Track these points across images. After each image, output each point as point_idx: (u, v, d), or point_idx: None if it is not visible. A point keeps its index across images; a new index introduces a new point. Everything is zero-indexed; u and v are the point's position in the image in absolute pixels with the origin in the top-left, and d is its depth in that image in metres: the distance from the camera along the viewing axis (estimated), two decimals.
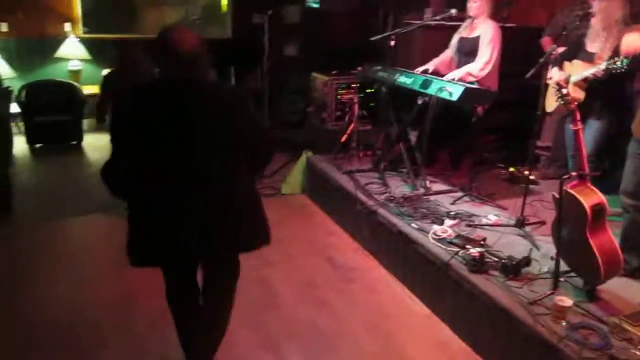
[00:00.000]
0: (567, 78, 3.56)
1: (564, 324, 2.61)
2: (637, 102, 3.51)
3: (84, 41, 7.42)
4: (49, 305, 3.33)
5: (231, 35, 8.41)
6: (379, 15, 8.18)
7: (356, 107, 4.93)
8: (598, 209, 2.68)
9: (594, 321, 2.64)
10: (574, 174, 2.79)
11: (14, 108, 6.43)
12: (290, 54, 8.61)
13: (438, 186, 4.40)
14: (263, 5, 7.99)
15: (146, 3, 9.41)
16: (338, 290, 3.62)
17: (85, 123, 7.01)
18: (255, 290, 3.56)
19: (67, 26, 7.43)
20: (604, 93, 3.51)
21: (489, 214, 3.88)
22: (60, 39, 7.29)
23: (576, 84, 3.50)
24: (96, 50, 7.52)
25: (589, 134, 3.54)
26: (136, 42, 4.74)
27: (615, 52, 3.37)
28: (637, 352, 2.40)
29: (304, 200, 5.20)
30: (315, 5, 5.09)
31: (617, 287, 2.93)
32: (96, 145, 6.72)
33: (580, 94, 3.48)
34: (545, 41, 4.79)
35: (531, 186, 4.22)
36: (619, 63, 3.13)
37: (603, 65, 3.24)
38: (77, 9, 7.49)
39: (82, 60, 7.39)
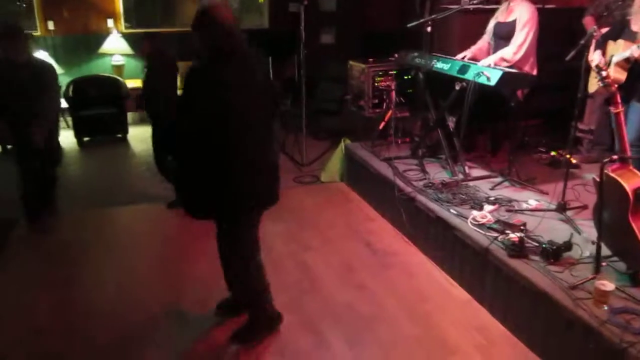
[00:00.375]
0: (607, 60, 3.48)
1: (605, 308, 2.59)
2: None
3: (126, 36, 7.62)
4: (101, 293, 3.50)
5: (268, 25, 8.49)
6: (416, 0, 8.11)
7: (393, 94, 4.93)
8: None
9: (637, 306, 2.61)
10: (615, 157, 2.75)
11: (63, 103, 6.68)
12: (327, 42, 8.66)
13: (477, 172, 4.38)
14: None
15: None
16: (376, 274, 3.67)
17: (129, 116, 7.22)
18: (295, 274, 3.66)
19: (110, 22, 7.66)
20: None
21: (530, 199, 3.85)
22: (103, 34, 7.52)
23: (618, 64, 3.42)
24: (138, 45, 7.72)
25: (632, 116, 3.46)
26: (153, 34, 4.92)
27: None
28: None
29: (342, 188, 5.26)
30: None
31: None
32: (141, 137, 6.92)
33: (622, 75, 3.40)
34: (588, 20, 4.69)
35: (573, 170, 4.16)
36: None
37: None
38: (119, 5, 7.70)
39: (124, 55, 7.60)
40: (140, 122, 7.56)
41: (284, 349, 2.92)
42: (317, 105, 6.83)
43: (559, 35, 4.66)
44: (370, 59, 5.27)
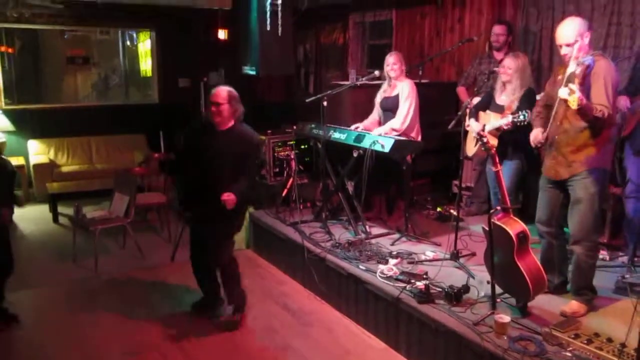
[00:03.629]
0: (483, 127, 4.11)
1: (505, 338, 3.01)
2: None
3: (6, 113, 7.37)
4: None
5: (158, 100, 8.62)
6: (301, 75, 8.75)
7: (293, 162, 5.28)
8: (522, 236, 3.16)
9: (530, 332, 3.06)
10: (498, 208, 3.27)
11: None
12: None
13: (377, 230, 4.80)
14: (187, 70, 8.39)
15: (61, 72, 9.51)
16: (298, 333, 3.85)
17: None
18: (218, 340, 3.73)
19: None
20: (512, 140, 4.09)
21: (426, 251, 4.30)
22: None
23: (490, 132, 4.06)
24: (20, 121, 7.49)
25: (505, 173, 4.08)
26: None
27: (523, 102, 3.98)
28: (568, 354, 2.83)
29: (249, 254, 5.42)
30: (252, 73, 5.46)
31: (543, 303, 3.40)
32: (27, 217, 6.61)
33: (494, 141, 4.04)
34: (461, 90, 5.43)
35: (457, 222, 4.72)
36: (521, 117, 3.69)
37: (510, 118, 3.79)
38: None
39: (5, 132, 7.31)
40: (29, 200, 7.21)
41: None
42: None
43: (434, 105, 5.34)
44: (269, 131, 5.61)
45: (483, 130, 3.99)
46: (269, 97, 9.02)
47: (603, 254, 4.09)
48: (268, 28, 5.18)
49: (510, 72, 4.05)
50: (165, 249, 5.38)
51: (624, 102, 3.85)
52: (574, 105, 2.85)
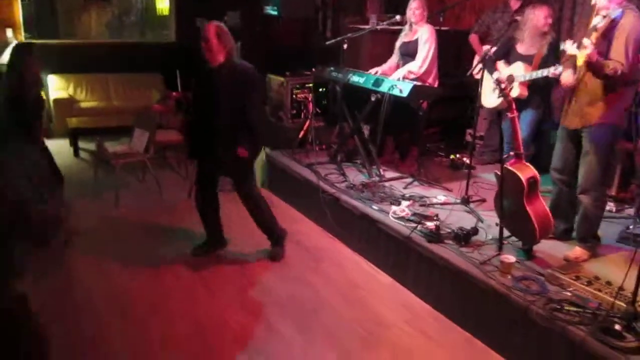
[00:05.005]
0: (510, 77, 4.13)
1: (509, 277, 3.16)
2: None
3: None
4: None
5: (175, 39, 8.61)
6: (318, 19, 8.66)
7: (311, 105, 5.36)
8: (532, 182, 3.27)
9: (533, 273, 3.22)
10: (512, 153, 3.36)
11: None
12: None
13: (390, 173, 4.92)
14: (204, 10, 8.33)
15: (79, 9, 9.47)
16: (310, 268, 4.04)
17: None
18: (236, 274, 3.92)
19: (9, 32, 7.40)
20: (543, 89, 4.12)
21: (438, 195, 4.43)
22: (1, 45, 7.25)
23: (522, 83, 4.09)
24: (40, 56, 7.53)
25: (524, 122, 4.14)
26: None
27: (551, 53, 3.97)
28: (568, 293, 2.99)
29: (265, 194, 5.51)
30: (274, 13, 5.46)
31: (548, 247, 3.55)
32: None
33: (525, 91, 4.08)
34: (473, 38, 5.41)
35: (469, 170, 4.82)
36: (559, 68, 3.65)
37: (555, 70, 3.75)
38: (19, 15, 7.47)
39: None
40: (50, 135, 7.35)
41: (238, 340, 3.18)
42: None
43: (451, 53, 5.35)
44: (287, 73, 5.66)
45: (511, 79, 4.02)
46: (286, 41, 8.96)
47: (610, 205, 4.19)
48: None
49: (530, 25, 4.04)
50: (182, 185, 5.54)
51: None
52: (580, 61, 2.90)
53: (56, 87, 7.57)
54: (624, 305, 2.74)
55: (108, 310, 3.41)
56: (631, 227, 3.81)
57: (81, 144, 6.70)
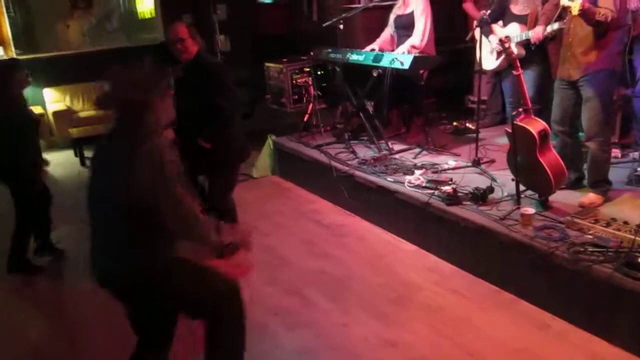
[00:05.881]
0: (507, 36, 4.23)
1: (530, 228, 3.29)
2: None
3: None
4: None
5: (164, 38, 8.66)
6: (304, 3, 8.72)
7: (312, 88, 5.45)
8: (543, 134, 3.39)
9: (553, 222, 3.35)
10: (520, 110, 3.48)
11: None
12: (223, 49, 9.00)
13: (398, 146, 5.03)
14: (192, 6, 8.37)
15: (57, 18, 9.43)
16: (333, 244, 4.17)
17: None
18: (263, 256, 4.03)
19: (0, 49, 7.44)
20: (540, 47, 4.23)
21: (448, 161, 4.55)
22: None
23: (519, 42, 4.19)
24: (33, 70, 7.56)
25: (529, 80, 4.25)
26: None
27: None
28: (589, 236, 3.12)
29: (276, 180, 5.69)
30: (268, 1, 5.53)
31: (562, 197, 3.67)
32: (55, 162, 6.84)
33: (522, 50, 4.19)
34: (467, 5, 5.50)
35: (474, 134, 4.93)
36: (556, 25, 3.79)
37: (550, 29, 3.83)
38: (7, 31, 7.49)
39: None
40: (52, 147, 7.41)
41: (275, 310, 3.31)
42: None
43: (443, 21, 5.44)
44: (284, 59, 5.74)
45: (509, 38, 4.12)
46: (274, 29, 9.02)
47: (615, 152, 4.31)
48: None
49: None
50: None
51: (635, 2, 3.97)
52: (575, 11, 3.02)
53: (53, 99, 7.63)
54: None
55: None
56: (638, 169, 3.94)
57: (87, 153, 6.77)
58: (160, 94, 2.20)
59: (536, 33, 4.06)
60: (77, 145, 6.85)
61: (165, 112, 2.24)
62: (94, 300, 3.01)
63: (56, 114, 7.35)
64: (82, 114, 7.64)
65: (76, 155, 6.87)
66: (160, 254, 2.22)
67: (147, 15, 9.31)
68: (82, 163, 6.75)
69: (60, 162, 6.87)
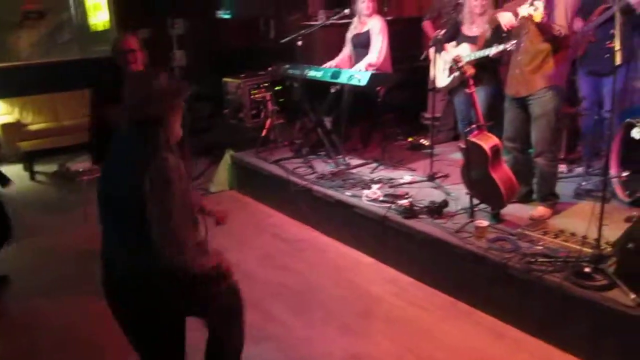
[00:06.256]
0: (460, 56, 4.38)
1: (484, 240, 3.42)
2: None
3: None
4: None
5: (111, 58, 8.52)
6: (260, 20, 8.78)
7: (270, 103, 5.49)
8: (495, 149, 3.54)
9: (505, 234, 3.49)
10: (474, 126, 3.62)
11: None
12: (180, 64, 8.94)
13: (355, 161, 5.11)
14: (148, 20, 8.30)
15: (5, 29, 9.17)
16: (294, 258, 4.19)
17: None
18: None
19: None
20: (490, 66, 4.40)
21: (404, 175, 4.67)
22: None
23: (469, 62, 4.35)
24: None
25: (481, 98, 4.40)
26: None
27: (495, 33, 4.24)
28: (539, 247, 3.27)
29: (234, 195, 5.67)
30: (227, 16, 5.55)
31: (514, 210, 3.83)
32: None
33: (472, 69, 4.34)
34: (426, 24, 5.68)
35: (428, 150, 5.07)
36: (509, 45, 3.94)
37: (501, 47, 4.01)
38: None
39: None
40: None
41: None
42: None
43: (399, 41, 5.59)
44: (243, 74, 5.77)
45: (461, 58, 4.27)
46: (232, 44, 9.03)
47: (562, 167, 4.53)
48: None
49: (485, 4, 4.30)
50: None
51: (579, 24, 4.20)
52: (537, 18, 3.17)
53: (2, 112, 7.38)
54: (590, 251, 3.04)
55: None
56: (584, 183, 4.16)
57: (37, 167, 6.57)
58: (176, 109, 2.17)
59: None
60: (27, 159, 6.64)
61: (176, 128, 2.19)
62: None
63: (4, 126, 7.11)
64: (33, 127, 7.42)
65: (26, 170, 6.65)
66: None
67: (101, 28, 9.15)
68: (32, 178, 6.55)
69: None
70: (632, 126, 3.83)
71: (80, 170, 5.27)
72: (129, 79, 2.21)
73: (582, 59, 4.38)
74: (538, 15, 3.16)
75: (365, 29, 5.01)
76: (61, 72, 8.02)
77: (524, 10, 3.24)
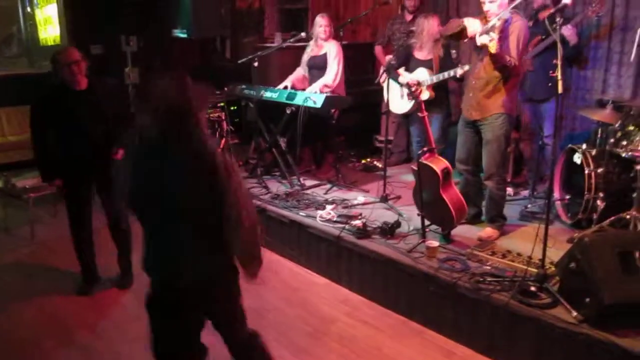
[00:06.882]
0: (417, 81, 4.51)
1: (435, 260, 3.50)
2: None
3: None
4: None
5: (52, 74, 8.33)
6: (216, 40, 8.80)
7: (225, 123, 5.47)
8: (446, 172, 3.65)
9: (455, 254, 3.58)
10: (425, 149, 3.73)
11: None
12: (132, 81, 8.81)
13: (309, 182, 5.15)
14: (100, 36, 8.16)
15: None
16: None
17: None
18: None
19: None
20: (442, 90, 4.55)
21: (358, 197, 4.73)
22: None
23: (429, 85, 4.50)
24: None
25: (433, 122, 4.54)
26: None
27: (446, 54, 4.39)
28: (487, 267, 3.37)
29: None
30: (183, 35, 5.53)
31: (463, 231, 3.95)
32: None
33: (432, 92, 4.50)
34: (377, 50, 5.84)
35: (380, 172, 5.16)
36: (466, 67, 4.07)
37: (461, 70, 4.15)
38: None
39: None
40: None
41: None
42: None
43: (352, 65, 5.73)
44: None
45: (418, 82, 4.41)
46: (187, 63, 8.98)
47: (508, 190, 4.70)
48: None
49: (426, 33, 4.46)
50: (98, 215, 5.40)
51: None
52: (493, 49, 3.33)
53: None
54: (535, 270, 3.16)
55: (50, 339, 3.33)
56: (529, 206, 4.33)
57: None
58: (205, 109, 2.24)
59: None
60: None
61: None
62: None
63: None
64: None
65: None
66: (220, 258, 2.28)
67: (51, 42, 8.94)
68: None
69: None
70: (573, 152, 4.03)
71: (27, 187, 5.10)
72: (159, 79, 2.20)
73: (520, 87, 4.59)
74: (493, 46, 3.31)
75: (322, 52, 5.10)
76: (8, 86, 7.76)
77: (481, 39, 3.38)
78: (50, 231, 5.09)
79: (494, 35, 3.32)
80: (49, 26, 8.86)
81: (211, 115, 5.68)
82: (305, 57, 5.24)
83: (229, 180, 2.10)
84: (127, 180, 2.26)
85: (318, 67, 5.11)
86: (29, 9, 9.49)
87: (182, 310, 2.30)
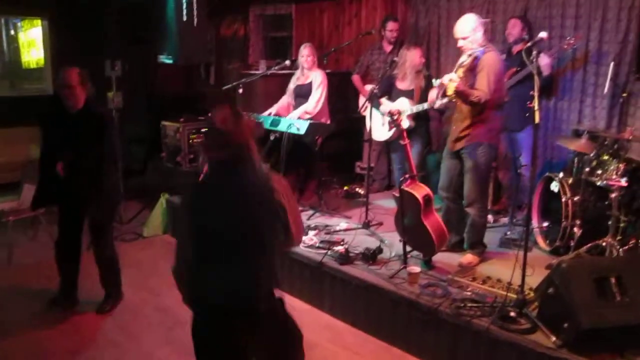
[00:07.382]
0: (397, 110, 4.61)
1: (416, 286, 3.54)
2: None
3: None
4: None
5: (53, 91, 8.33)
6: (200, 66, 8.87)
7: None
8: (427, 198, 3.71)
9: (436, 280, 3.62)
10: (407, 176, 3.79)
11: None
12: (117, 105, 8.81)
13: None
14: (85, 60, 8.17)
15: None
16: None
17: None
18: (157, 316, 3.94)
19: None
20: (423, 120, 4.65)
21: (340, 223, 4.77)
22: None
23: (409, 115, 4.59)
24: None
25: (415, 150, 4.62)
26: None
27: (427, 85, 4.50)
28: (468, 293, 3.41)
29: (168, 239, 5.56)
30: (169, 62, 5.59)
31: (444, 258, 4.00)
32: None
33: (412, 122, 4.59)
34: (355, 78, 5.93)
35: (363, 198, 5.21)
36: (445, 100, 4.18)
37: (445, 100, 4.24)
38: None
39: None
40: None
41: None
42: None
43: (335, 93, 5.82)
44: (182, 119, 5.78)
45: (399, 111, 4.50)
46: (171, 88, 9.03)
47: (488, 217, 4.78)
48: (184, 18, 5.35)
49: (409, 64, 4.58)
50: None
51: None
52: (450, 90, 3.45)
53: None
54: (515, 296, 3.21)
55: None
56: (508, 233, 4.41)
57: None
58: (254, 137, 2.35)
59: (430, 98, 4.46)
60: None
61: None
62: None
63: None
64: None
65: None
66: (271, 285, 2.42)
67: (34, 65, 8.94)
68: None
69: None
70: (551, 180, 4.13)
71: (6, 210, 5.05)
72: (217, 114, 2.31)
73: None
74: (451, 87, 3.44)
75: (308, 81, 5.19)
76: None
77: (444, 78, 3.51)
78: (28, 255, 5.04)
79: (454, 76, 3.44)
80: (32, 49, 8.86)
81: (194, 140, 5.73)
82: (292, 85, 5.32)
83: (286, 201, 2.26)
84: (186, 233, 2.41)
85: (304, 95, 5.19)
86: (12, 32, 9.48)
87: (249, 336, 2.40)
